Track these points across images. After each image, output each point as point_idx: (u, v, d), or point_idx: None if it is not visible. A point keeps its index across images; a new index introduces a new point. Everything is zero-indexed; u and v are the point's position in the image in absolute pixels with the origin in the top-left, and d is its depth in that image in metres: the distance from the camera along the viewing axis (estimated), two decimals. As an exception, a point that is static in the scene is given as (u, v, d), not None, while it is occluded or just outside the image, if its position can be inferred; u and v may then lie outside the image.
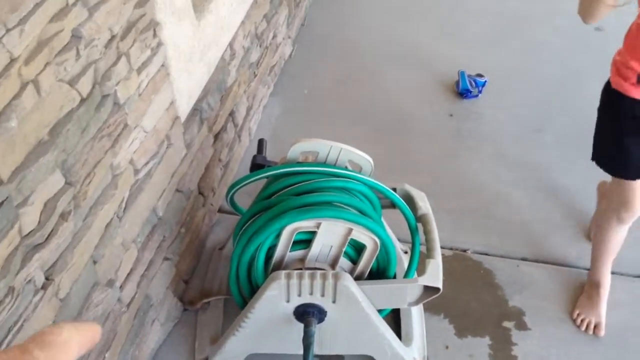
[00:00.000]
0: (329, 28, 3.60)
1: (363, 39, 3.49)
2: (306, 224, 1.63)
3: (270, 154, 2.13)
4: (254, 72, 2.73)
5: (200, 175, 2.17)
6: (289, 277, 1.63)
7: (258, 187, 1.95)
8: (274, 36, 3.03)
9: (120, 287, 1.63)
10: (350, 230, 1.63)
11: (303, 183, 1.76)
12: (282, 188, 1.80)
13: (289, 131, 2.82)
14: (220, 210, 2.42)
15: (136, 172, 1.65)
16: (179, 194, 1.98)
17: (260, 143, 2.16)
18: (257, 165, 2.05)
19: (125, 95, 1.53)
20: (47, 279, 1.29)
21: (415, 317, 1.97)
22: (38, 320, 1.26)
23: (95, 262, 1.48)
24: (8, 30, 1.13)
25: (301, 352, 1.82)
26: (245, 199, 2.06)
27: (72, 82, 1.32)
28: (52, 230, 1.28)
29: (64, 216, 1.32)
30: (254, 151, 2.73)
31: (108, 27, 1.44)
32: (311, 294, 1.65)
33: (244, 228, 1.79)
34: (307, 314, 1.67)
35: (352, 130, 2.82)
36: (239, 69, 2.50)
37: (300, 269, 1.71)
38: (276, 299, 1.67)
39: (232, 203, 2.08)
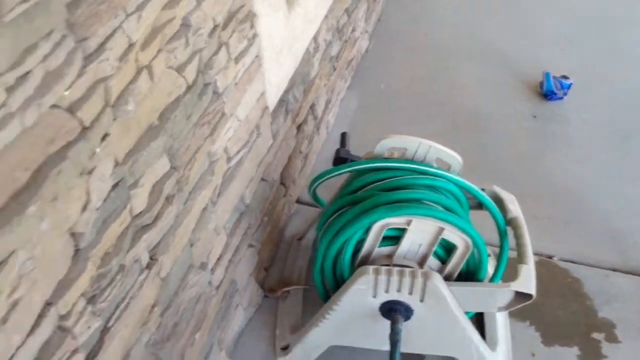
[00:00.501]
0: (405, 23, 3.56)
1: (439, 34, 3.44)
2: (397, 221, 1.62)
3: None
4: (334, 66, 2.73)
5: (283, 165, 2.18)
6: (377, 272, 1.62)
7: (336, 180, 1.95)
8: (353, 30, 3.02)
9: (212, 270, 1.66)
10: (442, 229, 1.60)
11: (392, 179, 1.75)
12: (370, 183, 1.79)
13: (366, 126, 2.80)
14: (298, 201, 2.43)
15: (229, 159, 1.67)
16: (264, 183, 2.00)
17: (343, 136, 2.16)
18: (341, 158, 2.04)
19: (223, 84, 1.55)
20: (151, 258, 1.32)
21: (500, 322, 1.93)
22: (142, 299, 1.30)
23: (191, 245, 1.51)
24: (127, 16, 1.16)
25: (383, 348, 1.81)
26: (321, 192, 2.07)
27: (179, 70, 1.34)
28: (158, 213, 1.31)
29: (169, 199, 1.34)
30: (332, 144, 2.74)
31: (212, 17, 1.46)
32: (399, 291, 1.63)
33: (329, 221, 1.79)
34: (394, 311, 1.66)
35: (428, 127, 2.78)
36: (321, 62, 2.50)
37: (388, 265, 1.70)
38: (363, 294, 1.66)
39: (314, 195, 2.09)
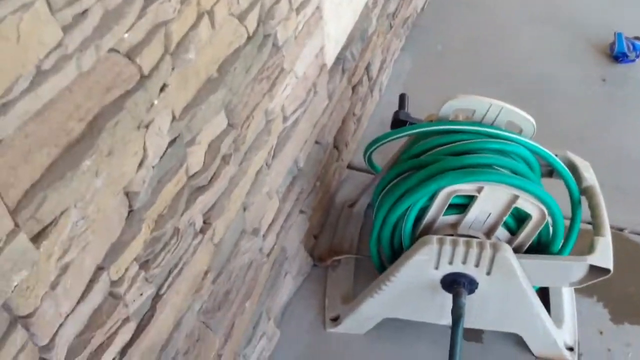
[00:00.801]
0: (462, -19, 3.36)
1: (499, -7, 3.23)
2: (467, 188, 1.49)
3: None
4: (390, 24, 2.58)
5: (337, 128, 2.07)
6: (441, 242, 1.51)
7: (388, 147, 1.83)
8: (409, -14, 2.85)
9: (263, 236, 1.57)
10: (516, 197, 1.48)
11: (459, 143, 1.62)
12: (434, 147, 1.66)
13: (421, 88, 2.65)
14: (350, 166, 2.31)
15: (285, 119, 1.56)
16: (318, 146, 1.89)
17: (402, 98, 2.03)
18: (400, 121, 1.92)
19: (283, 36, 1.43)
20: (205, 222, 1.24)
21: (566, 298, 1.80)
22: (195, 265, 1.21)
23: (245, 210, 1.42)
24: (187, -47, 1.05)
25: (440, 322, 1.71)
26: (375, 158, 1.95)
27: (241, 18, 1.23)
28: (214, 173, 1.21)
29: (225, 159, 1.25)
30: (385, 107, 2.61)
31: (274, -40, 1.34)
32: (464, 263, 1.52)
33: (389, 187, 1.68)
34: (457, 284, 1.55)
35: (487, 91, 2.56)
36: (379, 19, 2.35)
37: (452, 235, 1.58)
38: (424, 265, 1.55)
39: (370, 160, 1.97)
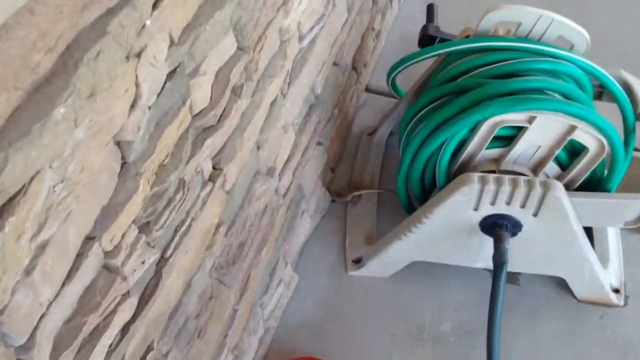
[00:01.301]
0: None
1: None
2: (516, 118, 1.28)
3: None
4: None
5: (357, 46, 1.83)
6: (484, 181, 1.31)
7: (414, 66, 1.61)
8: None
9: (279, 176, 1.37)
10: (574, 128, 1.27)
11: (504, 63, 1.39)
12: (472, 69, 1.43)
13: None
14: (368, 89, 2.08)
15: (301, 38, 1.33)
16: (336, 68, 1.66)
17: (431, 9, 1.77)
18: (429, 37, 1.68)
19: None
20: (214, 168, 1.04)
21: (611, 235, 1.63)
22: (205, 219, 1.02)
23: (259, 148, 1.22)
24: None
25: (475, 265, 1.55)
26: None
27: None
28: (224, 110, 1.00)
29: (236, 91, 1.03)
30: (404, 20, 2.35)
31: None
32: (508, 204, 1.33)
33: (419, 116, 1.46)
34: (500, 227, 1.37)
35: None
36: None
37: (494, 171, 1.39)
38: (462, 206, 1.37)
39: (394, 83, 1.75)
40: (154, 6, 0.73)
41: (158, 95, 0.80)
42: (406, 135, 1.50)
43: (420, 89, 1.65)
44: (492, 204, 1.34)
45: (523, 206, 1.33)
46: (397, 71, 1.64)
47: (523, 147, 1.34)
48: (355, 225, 1.74)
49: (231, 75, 0.99)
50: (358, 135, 1.96)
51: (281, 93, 1.27)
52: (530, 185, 1.30)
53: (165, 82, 0.81)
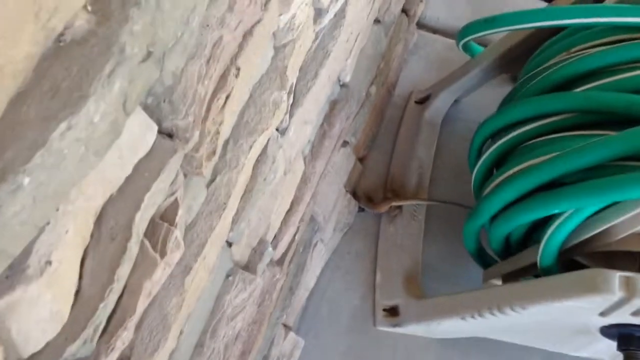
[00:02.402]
0: None
1: None
2: None
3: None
4: None
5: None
6: (629, 287, 0.74)
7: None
8: None
9: (273, 245, 0.81)
10: None
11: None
12: (628, 63, 0.80)
13: None
14: (419, 25, 1.42)
15: (319, 16, 0.70)
16: (377, 27, 1.02)
17: None
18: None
19: None
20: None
21: None
22: None
23: (230, 245, 0.65)
24: None
25: (574, 354, 1.03)
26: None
27: None
28: (118, 303, 0.43)
29: (155, 242, 0.44)
30: None
31: None
32: (664, 318, 0.78)
33: (517, 140, 0.86)
34: (638, 347, 0.82)
35: None
36: None
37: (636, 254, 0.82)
38: (582, 311, 0.82)
39: (466, 46, 1.11)
40: None
41: None
42: (488, 164, 0.91)
43: (516, 61, 1.02)
44: (636, 314, 0.79)
45: (688, 324, 0.78)
46: (474, 35, 1.00)
47: None
48: (391, 254, 1.19)
49: (137, 215, 0.41)
50: (402, 100, 1.34)
51: (277, 130, 0.68)
52: None
53: None
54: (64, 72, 0.32)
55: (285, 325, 1.03)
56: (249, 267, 0.74)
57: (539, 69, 0.90)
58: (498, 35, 1.11)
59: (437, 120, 1.27)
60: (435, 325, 1.04)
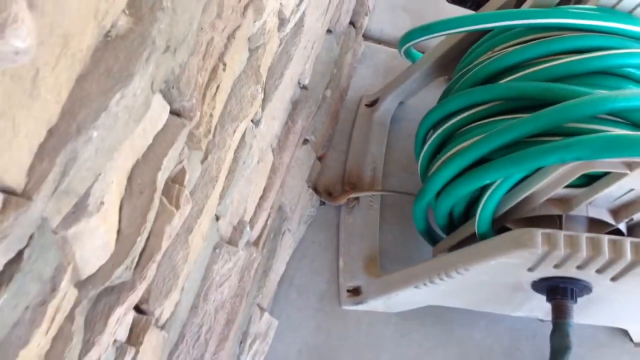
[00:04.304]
0: None
1: None
2: (613, 162, 0.84)
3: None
4: None
5: (355, -7, 1.31)
6: (551, 243, 0.90)
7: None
8: None
9: (250, 226, 0.93)
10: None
11: (594, 54, 0.92)
12: (543, 57, 0.96)
13: None
14: (365, 37, 1.57)
15: (283, 25, 0.83)
16: (330, 36, 1.16)
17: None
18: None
19: None
20: (139, 311, 0.60)
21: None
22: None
23: (217, 219, 0.77)
24: None
25: (514, 314, 1.18)
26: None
27: None
28: (147, 242, 0.55)
29: (170, 195, 0.56)
30: None
31: None
32: (581, 268, 0.93)
33: (455, 127, 1.01)
34: (562, 294, 0.98)
35: None
36: None
37: (560, 216, 0.97)
38: (513, 267, 0.96)
39: (408, 52, 1.26)
40: None
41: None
42: (430, 150, 1.05)
43: (450, 63, 1.18)
44: (558, 267, 0.94)
45: (601, 272, 0.93)
46: (413, 42, 1.15)
47: (607, 192, 0.92)
48: (351, 241, 1.32)
49: (159, 174, 0.53)
50: (354, 104, 1.49)
51: (252, 122, 0.80)
52: (617, 250, 0.89)
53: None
54: (114, 58, 0.44)
55: (260, 307, 1.15)
56: (231, 242, 0.85)
57: (469, 67, 1.06)
58: (435, 43, 1.27)
59: (386, 120, 1.42)
60: (394, 298, 1.18)
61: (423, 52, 1.32)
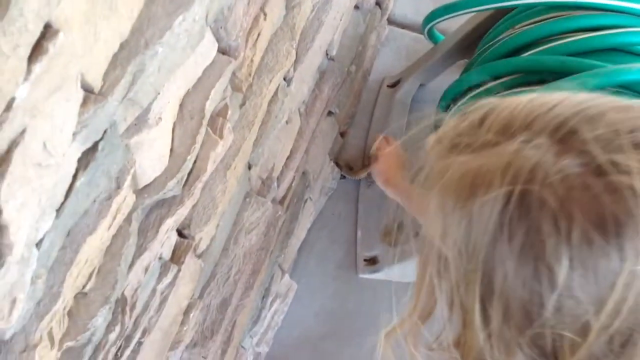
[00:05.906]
0: None
1: None
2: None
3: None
4: None
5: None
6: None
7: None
8: None
9: (277, 183, 0.99)
10: None
11: (609, 31, 0.97)
12: (560, 34, 1.01)
13: None
14: (390, 21, 1.63)
15: None
16: (357, 13, 1.22)
17: None
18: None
19: None
20: (180, 235, 0.66)
21: None
22: (166, 318, 0.66)
23: (250, 167, 0.83)
24: None
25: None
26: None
27: None
28: (194, 163, 0.60)
29: (215, 125, 0.62)
30: None
31: None
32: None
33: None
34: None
35: None
36: None
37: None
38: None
39: (431, 32, 1.31)
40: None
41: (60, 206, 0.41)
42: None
43: (471, 45, 1.23)
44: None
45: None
46: (437, 20, 1.20)
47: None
48: (369, 213, 1.38)
49: (207, 103, 0.59)
50: (376, 85, 1.54)
51: (284, 79, 0.86)
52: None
53: (77, 174, 0.42)
54: (177, -13, 0.50)
55: (281, 268, 1.20)
56: (260, 193, 0.91)
57: (491, 42, 1.11)
58: (456, 26, 1.32)
59: (407, 100, 1.47)
60: (410, 266, 1.23)
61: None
